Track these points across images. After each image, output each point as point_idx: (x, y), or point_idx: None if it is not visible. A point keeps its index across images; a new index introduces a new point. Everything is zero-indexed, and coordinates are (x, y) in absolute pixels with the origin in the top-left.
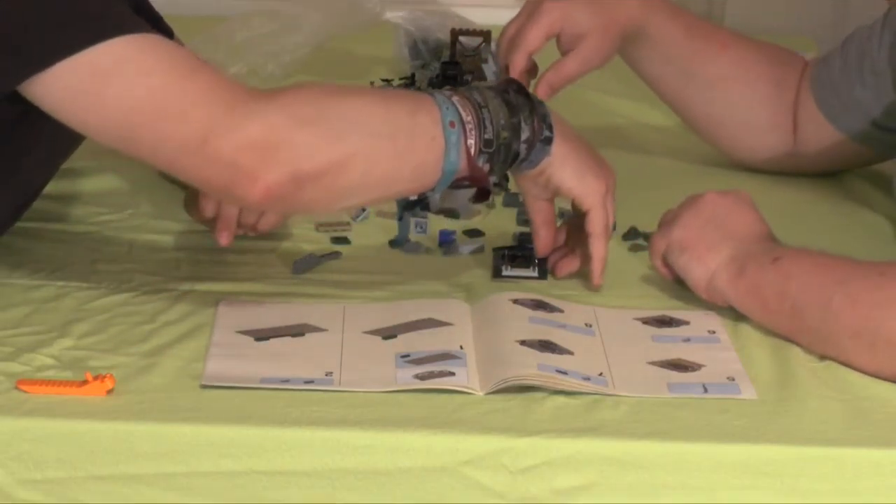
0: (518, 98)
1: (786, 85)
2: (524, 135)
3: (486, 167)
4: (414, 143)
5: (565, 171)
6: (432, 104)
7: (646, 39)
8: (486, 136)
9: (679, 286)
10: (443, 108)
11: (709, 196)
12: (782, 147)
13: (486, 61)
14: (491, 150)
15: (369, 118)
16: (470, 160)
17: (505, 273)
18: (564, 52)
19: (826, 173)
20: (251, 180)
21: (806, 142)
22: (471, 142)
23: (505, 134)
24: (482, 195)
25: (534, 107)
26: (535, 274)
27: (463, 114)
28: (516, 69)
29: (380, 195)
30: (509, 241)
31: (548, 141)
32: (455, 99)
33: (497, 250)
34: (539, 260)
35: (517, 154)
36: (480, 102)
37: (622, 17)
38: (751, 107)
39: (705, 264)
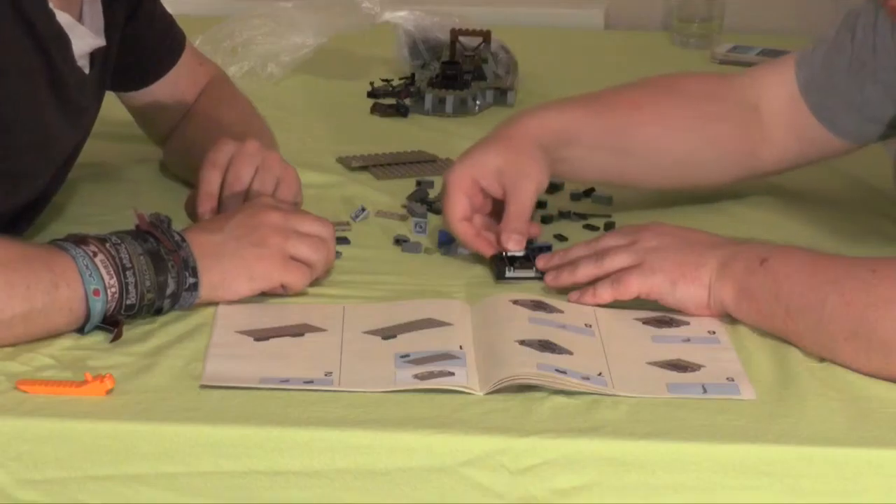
0: (162, 247)
1: (713, 112)
2: (169, 290)
3: (122, 318)
4: (50, 317)
5: None
6: (72, 270)
7: (567, 143)
8: (129, 302)
9: None
10: (84, 275)
11: (651, 226)
12: (745, 164)
13: (486, 61)
14: (133, 313)
15: (6, 301)
16: (109, 316)
17: (509, 275)
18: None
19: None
20: None
21: (790, 150)
22: (111, 304)
23: (150, 296)
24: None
25: (179, 252)
26: (539, 275)
27: (106, 278)
28: (468, 237)
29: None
30: None
31: (193, 288)
32: (98, 260)
33: None
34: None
35: (160, 309)
36: (126, 264)
37: (527, 132)
38: (694, 147)
39: (700, 283)
